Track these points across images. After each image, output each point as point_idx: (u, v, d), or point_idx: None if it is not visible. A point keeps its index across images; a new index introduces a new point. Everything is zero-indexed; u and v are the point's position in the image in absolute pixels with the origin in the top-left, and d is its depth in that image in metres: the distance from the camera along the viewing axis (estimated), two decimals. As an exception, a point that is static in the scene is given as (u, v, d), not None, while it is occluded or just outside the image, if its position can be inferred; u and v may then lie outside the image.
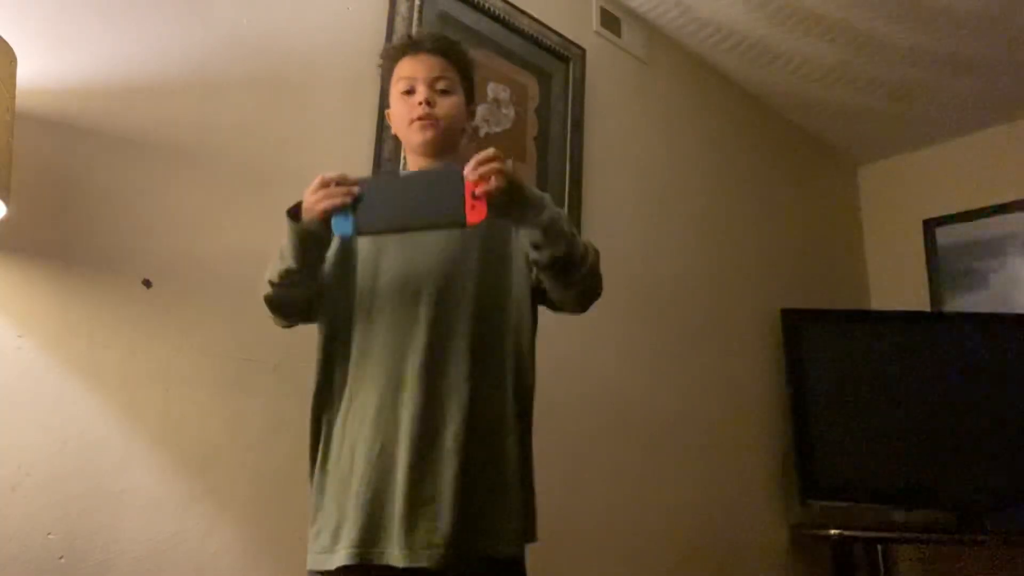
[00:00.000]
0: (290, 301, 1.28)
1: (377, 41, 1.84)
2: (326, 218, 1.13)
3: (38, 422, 1.26)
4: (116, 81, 1.45)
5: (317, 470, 1.23)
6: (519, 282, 1.30)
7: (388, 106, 1.39)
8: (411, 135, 1.34)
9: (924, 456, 2.58)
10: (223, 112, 1.59)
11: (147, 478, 1.36)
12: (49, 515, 1.25)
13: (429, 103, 1.30)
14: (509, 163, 1.16)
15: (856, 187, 3.53)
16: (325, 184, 1.14)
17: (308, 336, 1.61)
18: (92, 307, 1.36)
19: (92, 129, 1.41)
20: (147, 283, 1.42)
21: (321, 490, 1.21)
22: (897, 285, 3.29)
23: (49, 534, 1.25)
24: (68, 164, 1.38)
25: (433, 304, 1.23)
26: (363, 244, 1.29)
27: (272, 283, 1.24)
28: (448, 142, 1.35)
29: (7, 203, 1.17)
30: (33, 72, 1.34)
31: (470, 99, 1.40)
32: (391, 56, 1.37)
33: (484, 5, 2.04)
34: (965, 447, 2.58)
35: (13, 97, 1.20)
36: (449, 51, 1.35)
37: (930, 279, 3.19)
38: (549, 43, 2.21)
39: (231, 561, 1.43)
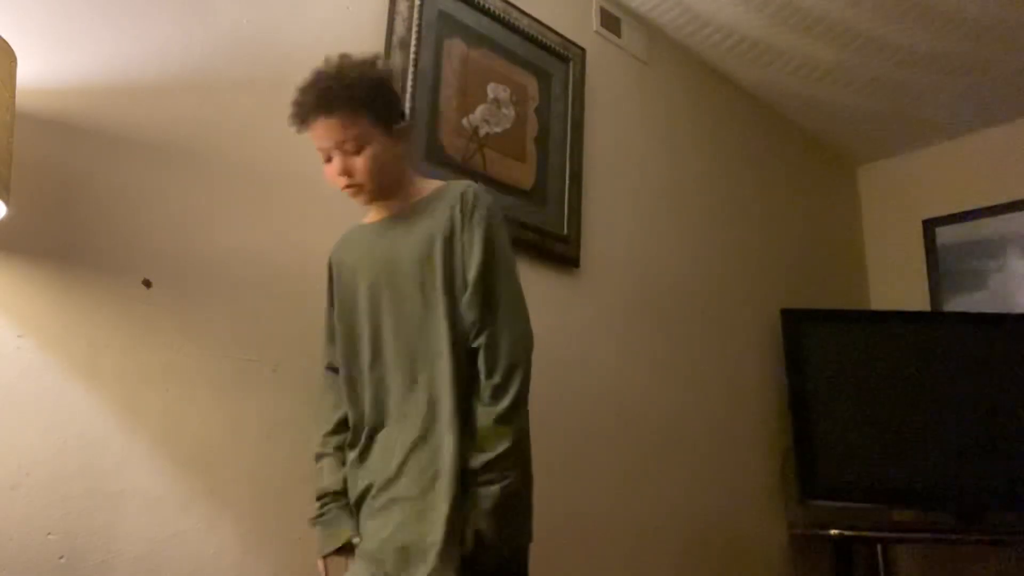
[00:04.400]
0: None
1: (377, 41, 1.84)
2: None
3: (38, 422, 1.26)
4: (116, 81, 1.45)
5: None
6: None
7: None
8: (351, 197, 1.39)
9: (924, 456, 2.58)
10: (223, 112, 1.59)
11: (147, 478, 1.36)
12: (49, 515, 1.25)
13: (346, 173, 1.31)
14: None
15: (856, 187, 3.53)
16: None
17: (307, 336, 1.62)
18: (92, 307, 1.35)
19: (92, 129, 1.41)
20: (147, 283, 1.42)
21: None
22: (897, 285, 3.29)
23: (49, 534, 1.25)
24: (68, 164, 1.38)
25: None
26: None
27: None
28: (385, 189, 1.37)
29: (7, 203, 1.17)
30: (33, 72, 1.34)
31: (391, 120, 1.34)
32: (295, 124, 1.34)
33: (484, 5, 2.04)
34: (965, 447, 2.58)
35: (13, 97, 1.20)
36: (338, 101, 1.28)
37: (930, 279, 3.19)
38: (549, 43, 2.21)
39: (231, 561, 1.43)
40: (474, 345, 1.26)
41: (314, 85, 1.30)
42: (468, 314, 1.27)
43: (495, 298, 1.28)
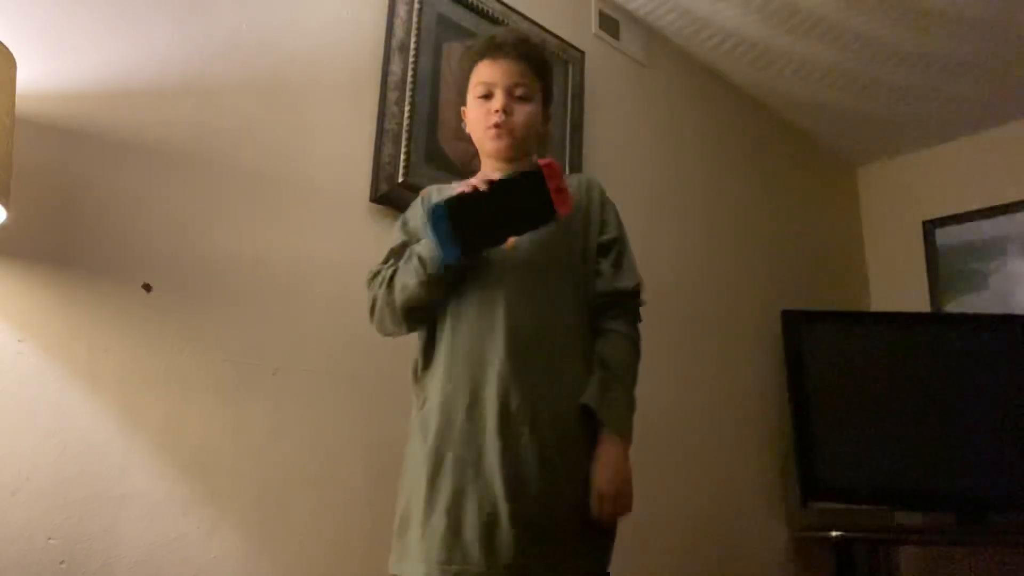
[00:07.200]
0: (425, 309, 1.29)
1: (376, 45, 1.85)
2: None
3: (38, 427, 1.27)
4: (116, 85, 1.46)
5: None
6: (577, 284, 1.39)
7: (464, 104, 1.41)
8: (486, 141, 1.36)
9: (924, 457, 2.58)
10: (223, 116, 1.59)
11: (148, 482, 1.36)
12: (50, 520, 1.25)
13: (506, 111, 1.32)
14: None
15: (856, 188, 3.54)
16: None
17: (307, 340, 1.62)
18: (92, 311, 1.36)
19: (92, 133, 1.41)
20: (147, 287, 1.43)
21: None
22: (897, 286, 3.29)
23: (50, 539, 1.25)
24: (68, 169, 1.38)
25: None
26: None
27: (408, 300, 1.26)
28: (522, 149, 1.37)
29: (7, 208, 1.17)
30: (33, 77, 1.34)
31: (547, 103, 1.41)
32: (471, 57, 1.38)
33: (482, 8, 2.05)
34: (965, 447, 2.57)
35: (13, 102, 1.20)
36: (530, 56, 1.36)
37: (930, 280, 3.19)
38: (547, 46, 2.21)
39: (232, 565, 1.43)
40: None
41: (513, 32, 1.43)
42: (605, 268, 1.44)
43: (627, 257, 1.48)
